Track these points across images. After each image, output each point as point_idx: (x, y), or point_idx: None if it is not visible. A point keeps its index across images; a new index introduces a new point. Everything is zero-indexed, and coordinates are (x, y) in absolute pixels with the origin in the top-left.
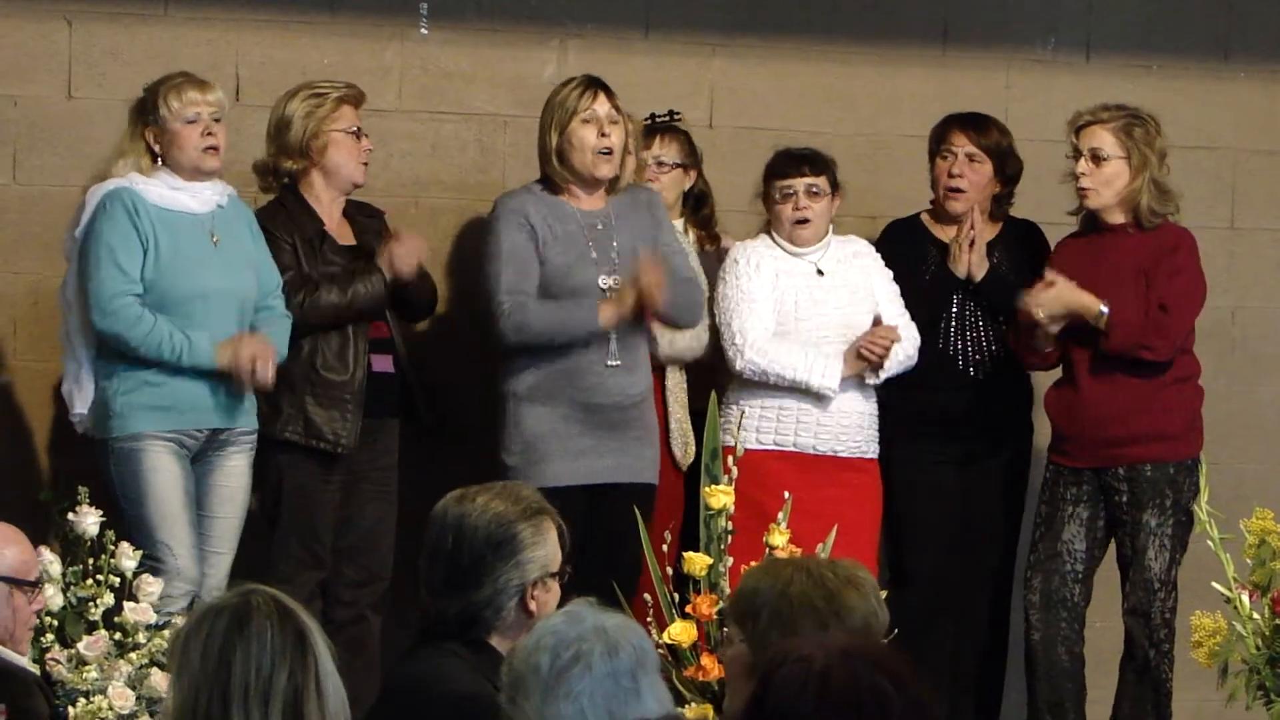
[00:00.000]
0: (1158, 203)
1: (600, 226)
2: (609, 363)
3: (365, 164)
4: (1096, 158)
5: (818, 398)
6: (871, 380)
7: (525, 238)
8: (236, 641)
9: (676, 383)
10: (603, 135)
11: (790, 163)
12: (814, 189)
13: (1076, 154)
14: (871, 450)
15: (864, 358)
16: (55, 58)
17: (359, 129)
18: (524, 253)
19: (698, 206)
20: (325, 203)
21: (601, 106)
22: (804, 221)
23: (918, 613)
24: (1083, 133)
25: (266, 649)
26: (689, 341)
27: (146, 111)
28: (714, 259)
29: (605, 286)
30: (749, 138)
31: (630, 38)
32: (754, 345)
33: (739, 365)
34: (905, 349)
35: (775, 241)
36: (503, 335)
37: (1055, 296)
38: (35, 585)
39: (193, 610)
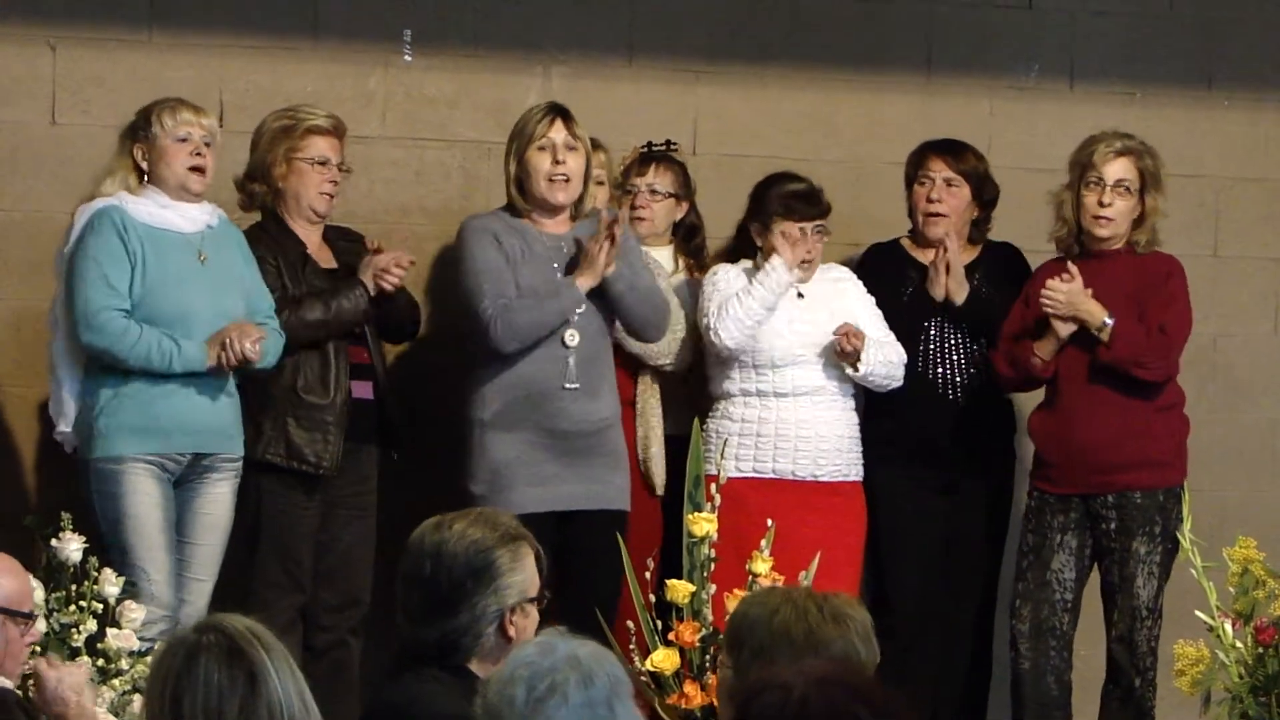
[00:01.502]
0: (1153, 233)
1: (565, 249)
2: (566, 385)
3: (330, 195)
4: (1123, 188)
5: (796, 406)
6: (851, 373)
7: (497, 251)
8: (185, 681)
9: (650, 408)
10: (557, 162)
11: (803, 204)
12: (820, 229)
13: (1089, 181)
14: (854, 473)
15: (841, 351)
16: (39, 83)
17: (329, 159)
18: (498, 264)
19: (689, 237)
20: (302, 227)
21: (558, 134)
22: (809, 262)
23: (901, 639)
24: (1111, 163)
25: (213, 688)
26: (660, 345)
27: (138, 129)
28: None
29: None
30: (732, 164)
31: (614, 64)
32: (713, 312)
33: (711, 338)
34: (887, 354)
35: (757, 265)
36: (496, 343)
37: (1072, 290)
38: (29, 617)
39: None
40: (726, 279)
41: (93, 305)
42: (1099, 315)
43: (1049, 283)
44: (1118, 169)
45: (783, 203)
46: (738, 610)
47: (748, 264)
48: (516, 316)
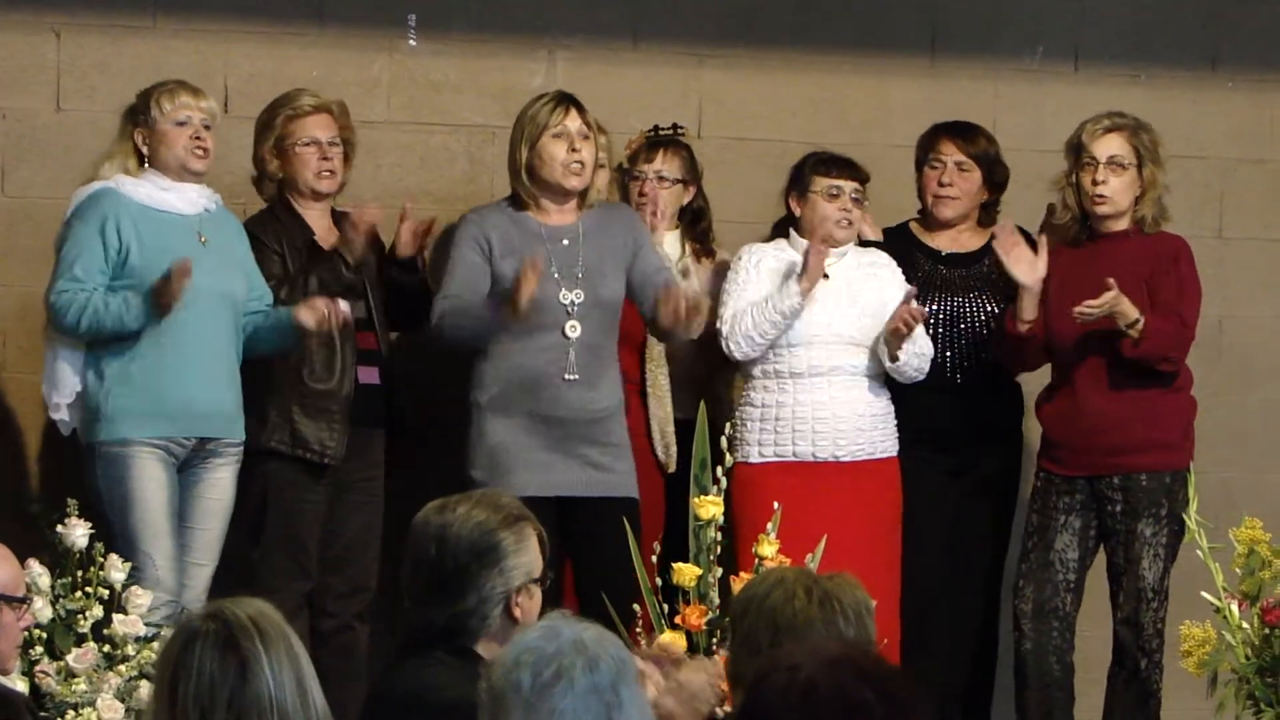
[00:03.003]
0: (1159, 210)
1: (566, 242)
2: (566, 376)
3: (330, 172)
4: (1116, 165)
5: (813, 387)
6: (888, 363)
7: (476, 255)
8: (181, 667)
9: (657, 386)
10: (573, 150)
11: (841, 165)
12: (857, 194)
13: (1083, 163)
14: (882, 450)
15: (896, 328)
16: (44, 70)
17: (318, 139)
18: (472, 269)
19: (695, 221)
20: (310, 211)
21: (573, 122)
22: (846, 224)
23: (908, 621)
24: (1099, 140)
25: (205, 676)
26: None
27: (138, 113)
28: (709, 273)
29: (567, 302)
30: (738, 148)
31: (619, 48)
32: (728, 320)
33: (725, 347)
34: (921, 347)
35: (789, 243)
36: (434, 336)
37: (1113, 298)
38: (23, 601)
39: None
40: (749, 269)
41: (53, 291)
42: (1131, 314)
43: (1087, 303)
44: (1107, 145)
45: (820, 163)
46: (738, 593)
47: (781, 243)
48: (446, 318)
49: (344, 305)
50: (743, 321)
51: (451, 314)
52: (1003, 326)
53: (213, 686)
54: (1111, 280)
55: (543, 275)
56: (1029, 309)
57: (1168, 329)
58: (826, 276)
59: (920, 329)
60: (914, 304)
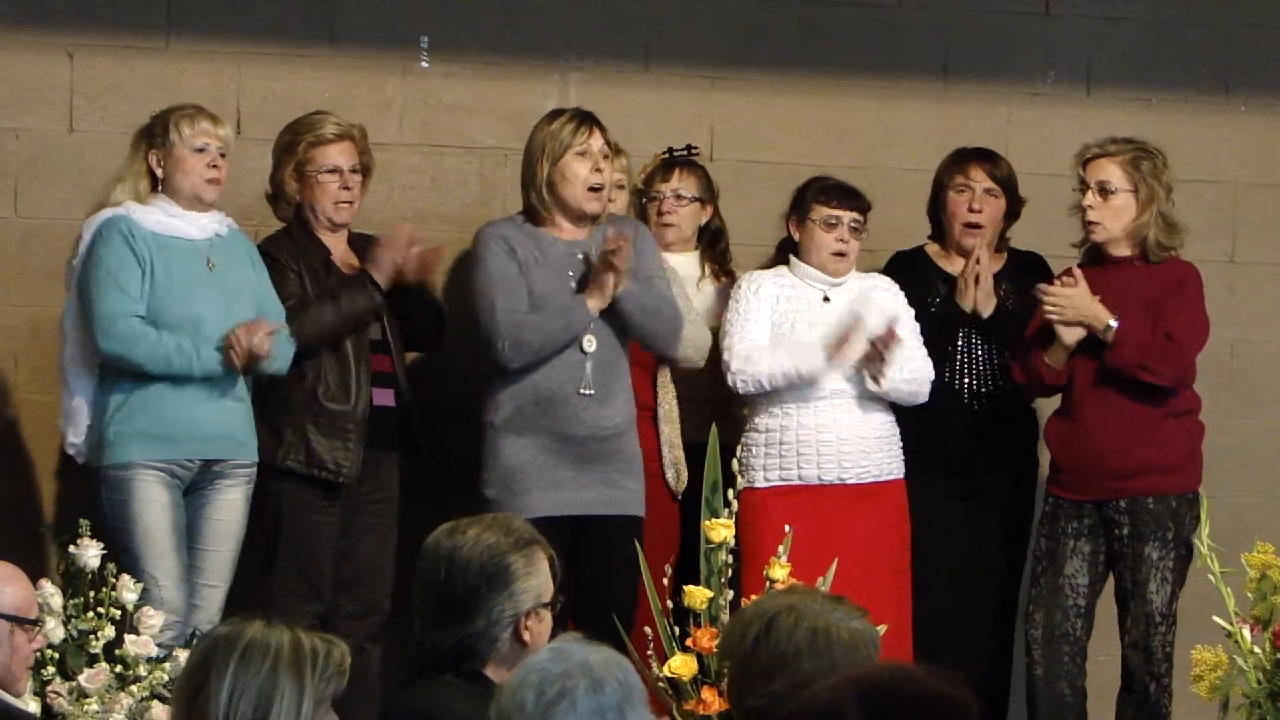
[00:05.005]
0: (1165, 236)
1: (581, 257)
2: (582, 391)
3: (347, 203)
4: (1104, 190)
5: (815, 410)
6: (873, 387)
7: (510, 261)
8: (201, 681)
9: (669, 409)
10: (597, 170)
11: (841, 194)
12: (856, 224)
13: (1083, 186)
14: (888, 473)
15: (870, 354)
16: (57, 91)
17: (339, 167)
18: (511, 276)
19: (713, 241)
20: (325, 234)
21: (596, 142)
22: (842, 255)
23: (919, 646)
24: (1090, 165)
25: (223, 693)
26: (690, 347)
27: (154, 135)
28: (717, 292)
29: None
30: (749, 171)
31: (630, 71)
32: (740, 355)
33: (730, 380)
34: (912, 370)
35: (789, 269)
36: (503, 359)
37: (1076, 295)
38: (35, 624)
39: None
40: (749, 297)
41: (109, 313)
42: (1104, 318)
43: (1050, 288)
44: (1096, 171)
45: (821, 191)
46: (738, 623)
47: (781, 269)
48: (525, 334)
49: (256, 340)
50: (758, 366)
51: (528, 327)
52: (1033, 369)
53: (230, 698)
54: (1077, 272)
55: (563, 289)
56: (1060, 357)
57: (1144, 335)
58: (828, 300)
59: (921, 352)
60: (895, 331)
